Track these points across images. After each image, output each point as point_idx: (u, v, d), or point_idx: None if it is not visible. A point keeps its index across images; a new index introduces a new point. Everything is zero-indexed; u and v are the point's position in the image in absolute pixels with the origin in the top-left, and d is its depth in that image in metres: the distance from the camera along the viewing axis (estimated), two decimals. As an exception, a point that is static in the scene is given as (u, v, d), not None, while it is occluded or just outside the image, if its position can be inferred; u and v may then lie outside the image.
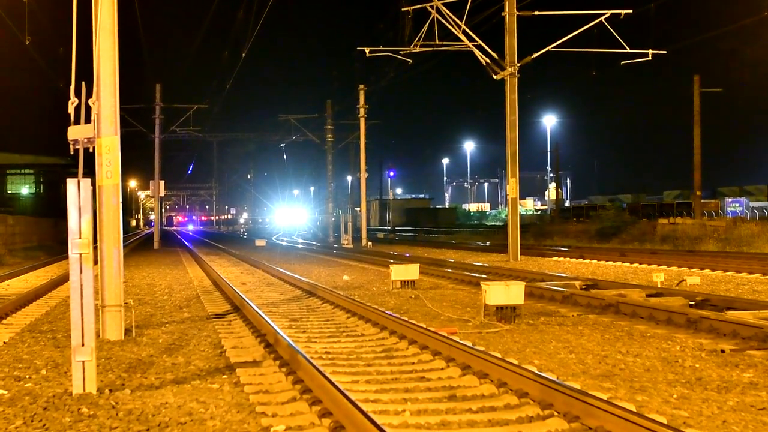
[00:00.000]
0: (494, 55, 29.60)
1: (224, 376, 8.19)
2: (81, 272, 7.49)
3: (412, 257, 29.68)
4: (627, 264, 24.49)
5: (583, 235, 44.27)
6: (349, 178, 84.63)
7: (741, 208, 57.83)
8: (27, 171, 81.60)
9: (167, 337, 11.00)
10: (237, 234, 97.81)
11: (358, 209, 61.47)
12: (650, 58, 29.83)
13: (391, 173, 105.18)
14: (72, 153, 8.43)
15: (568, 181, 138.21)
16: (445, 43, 30.67)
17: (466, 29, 29.53)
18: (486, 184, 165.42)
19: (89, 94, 8.68)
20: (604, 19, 28.89)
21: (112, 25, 11.09)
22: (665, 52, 30.72)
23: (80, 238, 7.50)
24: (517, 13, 29.20)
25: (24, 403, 7.06)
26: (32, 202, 72.56)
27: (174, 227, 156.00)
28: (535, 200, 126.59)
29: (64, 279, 19.67)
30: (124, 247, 11.79)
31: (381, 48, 32.76)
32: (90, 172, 9.12)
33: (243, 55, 34.70)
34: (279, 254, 37.34)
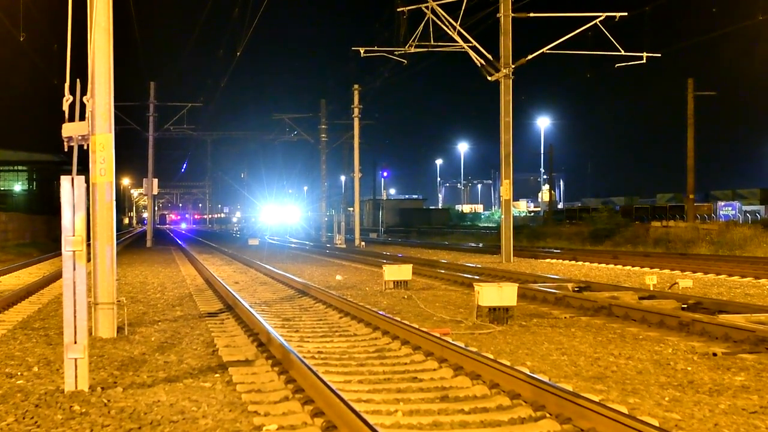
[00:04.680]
0: (489, 56, 29.65)
1: (217, 375, 8.19)
2: (74, 269, 7.47)
3: (405, 258, 29.70)
4: (620, 266, 24.54)
5: (576, 237, 44.31)
6: (343, 178, 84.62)
7: (734, 212, 57.93)
8: (20, 168, 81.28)
9: (160, 336, 10.98)
10: (230, 233, 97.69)
11: (351, 209, 61.43)
12: (644, 60, 29.93)
13: (385, 173, 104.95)
14: (66, 150, 8.42)
15: (561, 183, 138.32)
16: (440, 44, 30.73)
17: (461, 30, 29.58)
18: (479, 186, 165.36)
19: (84, 92, 8.67)
20: (599, 21, 28.99)
21: (107, 22, 11.08)
22: (659, 54, 30.82)
23: (74, 235, 7.49)
24: (512, 14, 29.24)
25: (16, 400, 7.04)
26: (25, 198, 72.29)
27: (167, 226, 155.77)
28: (528, 202, 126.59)
29: (56, 276, 19.63)
30: (117, 244, 11.77)
31: (376, 48, 32.81)
32: (84, 169, 9.12)
33: (238, 53, 34.64)
34: (272, 253, 37.31)
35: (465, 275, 20.17)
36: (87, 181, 8.25)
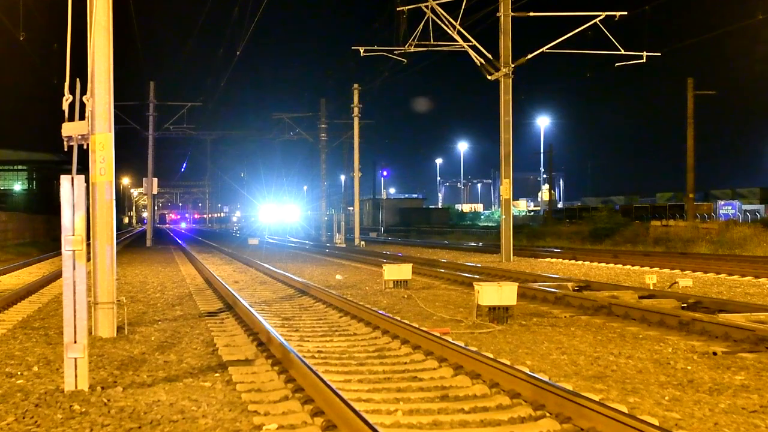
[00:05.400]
0: (489, 55, 29.65)
1: (216, 375, 8.18)
2: (74, 269, 7.47)
3: (405, 257, 29.68)
4: (619, 266, 24.54)
5: (575, 236, 44.33)
6: (343, 177, 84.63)
7: (733, 211, 57.93)
8: (20, 167, 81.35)
9: (159, 335, 10.98)
10: (230, 232, 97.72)
11: (351, 208, 61.42)
12: (644, 60, 29.93)
13: (385, 173, 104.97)
14: (66, 150, 8.41)
15: (561, 182, 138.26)
16: (439, 43, 30.72)
17: (461, 29, 29.58)
18: (479, 185, 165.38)
19: (83, 91, 8.67)
20: (599, 20, 28.97)
21: (107, 22, 11.07)
22: (659, 54, 30.83)
23: (73, 234, 7.48)
24: (512, 14, 29.25)
25: (15, 400, 7.04)
26: (25, 198, 72.31)
27: (167, 225, 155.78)
28: (528, 201, 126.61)
29: (56, 276, 19.63)
30: (116, 244, 11.77)
31: (375, 47, 32.80)
32: (83, 168, 9.12)
33: (238, 53, 34.66)
34: (272, 253, 37.30)
35: (465, 274, 20.16)
36: (87, 181, 8.24)
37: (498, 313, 11.93)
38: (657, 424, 5.80)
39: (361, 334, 11.01)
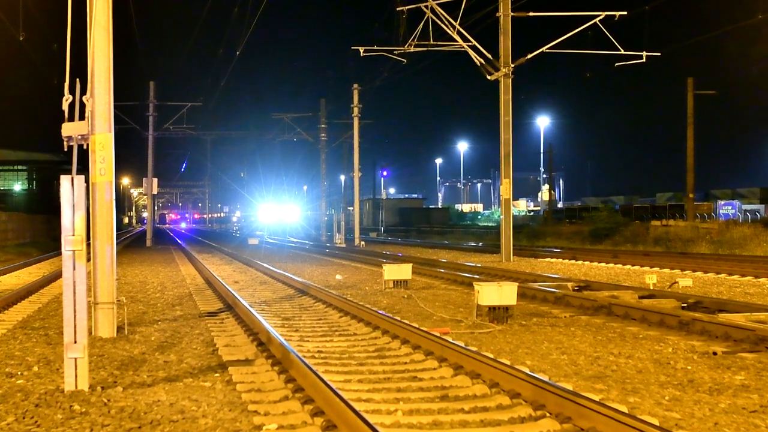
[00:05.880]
0: (488, 55, 29.66)
1: (216, 375, 8.18)
2: (74, 269, 7.47)
3: (405, 257, 29.67)
4: (619, 266, 24.54)
5: (575, 236, 44.32)
6: (342, 177, 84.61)
7: (733, 211, 57.95)
8: (20, 167, 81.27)
9: (159, 335, 10.98)
10: (230, 232, 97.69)
11: (351, 208, 61.40)
12: (644, 60, 29.93)
13: (385, 173, 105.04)
14: (66, 150, 8.41)
15: (560, 182, 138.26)
16: (439, 43, 30.73)
17: (461, 29, 29.59)
18: (479, 185, 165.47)
19: (83, 91, 8.67)
20: (599, 20, 28.98)
21: (106, 22, 11.07)
22: (659, 54, 30.83)
23: (74, 234, 7.49)
24: (512, 13, 29.25)
25: (15, 400, 7.04)
26: (25, 198, 72.25)
27: (167, 225, 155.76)
28: (528, 201, 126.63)
29: (56, 276, 19.63)
30: (116, 244, 11.77)
31: (375, 48, 32.79)
32: (83, 169, 9.12)
33: (238, 53, 34.66)
34: (271, 253, 37.31)
35: (465, 274, 20.16)
36: (87, 181, 8.24)
37: (498, 313, 11.93)
38: (657, 424, 5.80)
39: (361, 334, 11.01)
